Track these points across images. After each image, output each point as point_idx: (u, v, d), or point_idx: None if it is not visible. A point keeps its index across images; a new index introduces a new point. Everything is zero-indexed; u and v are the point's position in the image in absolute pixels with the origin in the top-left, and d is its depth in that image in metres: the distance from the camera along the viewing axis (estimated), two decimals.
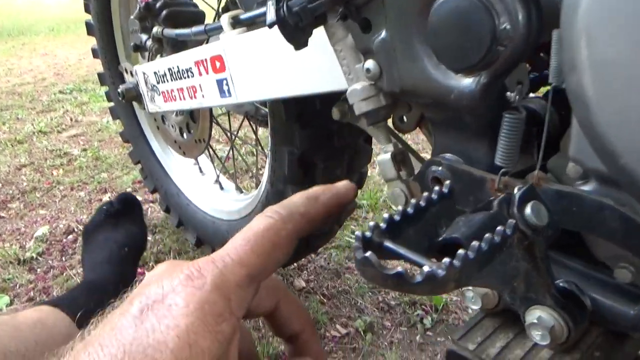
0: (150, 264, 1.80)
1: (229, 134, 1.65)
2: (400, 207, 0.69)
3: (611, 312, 0.49)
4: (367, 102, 0.64)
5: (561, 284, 0.51)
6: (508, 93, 0.51)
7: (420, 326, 1.44)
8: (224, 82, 0.96)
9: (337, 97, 0.87)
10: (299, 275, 1.67)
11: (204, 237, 1.66)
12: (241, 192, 1.61)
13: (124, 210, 1.64)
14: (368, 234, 0.40)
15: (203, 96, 1.04)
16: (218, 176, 1.68)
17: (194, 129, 1.40)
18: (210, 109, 1.31)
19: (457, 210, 0.48)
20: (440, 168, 0.60)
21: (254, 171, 2.15)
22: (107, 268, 1.43)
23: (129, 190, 2.27)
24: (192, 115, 1.38)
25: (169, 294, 0.30)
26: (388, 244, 0.41)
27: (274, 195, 1.20)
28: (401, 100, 0.63)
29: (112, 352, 0.27)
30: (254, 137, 1.63)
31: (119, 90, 1.33)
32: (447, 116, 0.58)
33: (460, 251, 0.38)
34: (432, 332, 1.43)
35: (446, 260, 0.37)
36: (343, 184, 0.44)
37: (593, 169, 0.43)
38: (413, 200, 0.45)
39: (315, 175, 1.11)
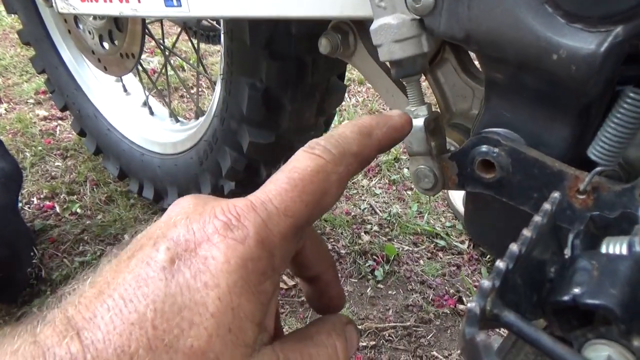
0: (62, 196, 1.53)
1: (161, 46, 1.35)
2: (426, 188, 0.53)
3: None
4: (403, 45, 0.45)
5: None
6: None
7: (371, 278, 1.36)
8: None
9: (323, 23, 0.66)
10: None
11: (130, 170, 1.41)
12: (177, 120, 1.35)
13: None
14: (482, 304, 0.24)
15: (139, 1, 0.77)
16: (147, 97, 1.40)
17: (119, 39, 1.10)
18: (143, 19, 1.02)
19: (557, 229, 0.33)
20: (496, 149, 0.44)
21: (194, 97, 1.85)
22: None
23: (30, 102, 1.89)
24: (116, 21, 1.08)
25: (202, 243, 0.26)
26: (510, 317, 0.25)
27: (224, 133, 0.99)
28: (464, 47, 0.45)
29: (140, 309, 0.23)
30: (191, 50, 1.35)
31: None
32: (528, 81, 0.40)
33: None
34: (384, 284, 1.35)
35: None
36: (398, 114, 0.37)
37: None
38: (526, 232, 0.29)
39: (280, 118, 0.91)
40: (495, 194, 0.46)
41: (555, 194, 0.32)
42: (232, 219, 0.26)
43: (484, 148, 0.45)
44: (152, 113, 1.42)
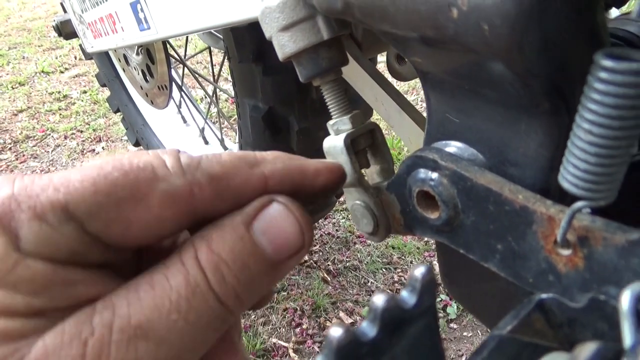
0: None
1: (197, 78, 1.33)
2: (367, 231, 0.37)
3: None
4: (293, 34, 0.31)
5: None
6: None
7: (443, 316, 1.16)
8: (138, 5, 0.64)
9: None
10: None
11: None
12: (226, 149, 1.32)
13: None
14: None
15: (122, 29, 0.73)
16: (202, 129, 1.40)
17: (155, 72, 1.10)
18: (165, 45, 1.00)
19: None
20: (434, 175, 0.28)
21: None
22: None
23: (125, 139, 2.04)
24: (149, 54, 1.07)
25: None
26: None
27: None
28: (363, 26, 0.30)
29: None
30: None
31: (53, 24, 1.03)
32: (447, 63, 0.25)
33: None
34: (457, 324, 1.14)
35: None
36: (319, 162, 0.26)
37: None
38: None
39: (290, 139, 0.80)
40: (450, 242, 0.30)
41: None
42: None
43: (421, 174, 0.29)
44: (206, 142, 1.41)
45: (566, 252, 0.23)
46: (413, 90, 2.11)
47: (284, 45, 0.32)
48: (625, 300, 0.15)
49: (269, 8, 0.31)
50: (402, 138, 0.54)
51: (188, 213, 0.22)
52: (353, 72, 0.56)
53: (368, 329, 0.15)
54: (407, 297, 0.16)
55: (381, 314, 0.15)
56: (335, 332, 0.14)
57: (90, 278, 0.20)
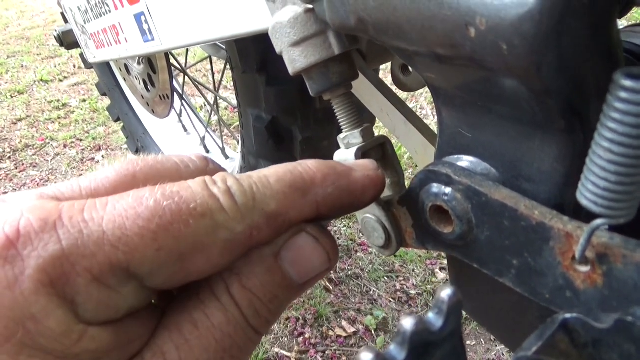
0: None
1: (198, 87, 1.33)
2: (378, 245, 0.38)
3: None
4: (304, 49, 0.31)
5: None
6: None
7: None
8: (142, 17, 0.64)
9: None
10: None
11: None
12: (227, 157, 1.32)
13: None
14: None
15: (126, 40, 0.73)
16: (203, 137, 1.39)
17: (156, 81, 1.10)
18: (167, 55, 1.00)
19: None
20: (447, 190, 0.28)
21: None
22: None
23: (124, 147, 2.03)
24: (151, 64, 1.08)
25: None
26: None
27: (246, 170, 0.90)
28: (376, 42, 0.30)
29: None
30: None
31: (55, 34, 1.03)
32: (462, 79, 0.25)
33: None
34: None
35: None
36: (364, 170, 0.25)
37: None
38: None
39: (293, 149, 0.80)
40: (463, 257, 0.30)
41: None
42: (13, 239, 0.17)
43: (434, 188, 0.29)
44: (207, 151, 1.41)
45: (584, 268, 0.23)
46: (412, 98, 2.11)
47: (295, 60, 0.32)
48: None
49: (280, 23, 0.32)
50: (408, 149, 0.54)
51: (242, 253, 0.21)
52: (358, 83, 0.56)
53: (396, 352, 0.15)
54: (434, 319, 0.16)
55: (410, 338, 0.15)
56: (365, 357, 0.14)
57: (138, 323, 0.20)
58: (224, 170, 0.25)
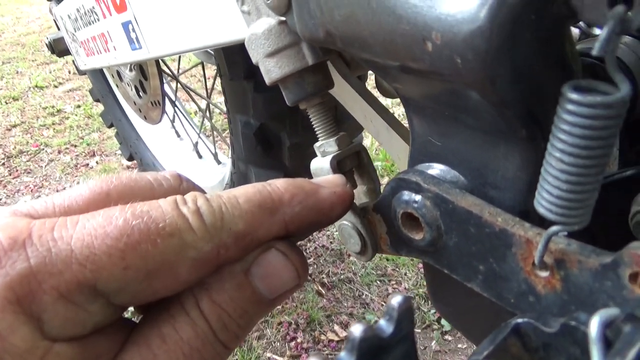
0: None
1: (189, 92, 1.34)
2: (355, 251, 0.38)
3: None
4: (278, 60, 0.32)
5: None
6: None
7: (437, 328, 1.16)
8: (130, 26, 0.65)
9: None
10: None
11: None
12: (219, 162, 1.32)
13: None
14: None
15: (115, 48, 0.74)
16: (196, 143, 1.40)
17: (147, 87, 1.11)
18: (157, 62, 1.01)
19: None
20: (417, 197, 0.29)
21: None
22: None
23: (118, 153, 2.04)
24: (142, 71, 1.08)
25: None
26: None
27: (237, 176, 0.91)
28: (345, 54, 0.31)
29: None
30: None
31: (46, 41, 1.04)
32: (426, 91, 0.25)
33: None
34: (452, 336, 1.14)
35: None
36: (331, 187, 0.26)
37: None
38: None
39: (282, 155, 0.81)
40: (434, 262, 0.31)
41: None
42: None
43: (405, 196, 0.30)
44: (200, 157, 1.41)
45: (544, 274, 0.24)
46: (398, 106, 2.12)
47: (270, 70, 0.33)
48: (593, 326, 0.16)
49: (255, 35, 0.32)
50: (391, 155, 0.55)
51: (211, 271, 0.22)
52: (342, 91, 0.57)
53: (346, 358, 0.15)
54: (385, 326, 0.16)
55: (359, 344, 0.15)
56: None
57: (105, 338, 0.20)
58: (198, 188, 0.26)
